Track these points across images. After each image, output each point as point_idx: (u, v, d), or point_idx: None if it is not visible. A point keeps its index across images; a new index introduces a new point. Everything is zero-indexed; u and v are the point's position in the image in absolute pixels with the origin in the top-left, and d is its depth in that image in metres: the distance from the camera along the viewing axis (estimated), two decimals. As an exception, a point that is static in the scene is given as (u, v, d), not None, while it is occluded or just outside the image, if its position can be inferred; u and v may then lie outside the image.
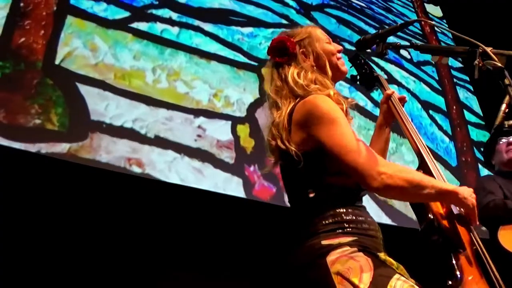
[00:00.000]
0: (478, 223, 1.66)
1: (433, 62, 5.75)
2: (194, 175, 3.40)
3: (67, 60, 3.33)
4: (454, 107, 5.69)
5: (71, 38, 3.41)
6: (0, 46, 3.11)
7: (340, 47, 1.94)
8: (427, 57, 5.70)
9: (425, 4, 6.76)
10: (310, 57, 1.87)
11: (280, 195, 3.58)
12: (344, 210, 1.62)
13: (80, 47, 3.42)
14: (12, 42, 3.15)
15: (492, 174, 3.46)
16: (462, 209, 1.67)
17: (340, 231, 1.58)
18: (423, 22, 6.34)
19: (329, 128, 1.61)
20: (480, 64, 1.55)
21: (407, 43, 1.95)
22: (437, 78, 5.83)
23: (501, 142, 3.37)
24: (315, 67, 1.85)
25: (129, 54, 3.58)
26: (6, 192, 2.83)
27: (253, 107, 3.92)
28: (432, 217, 1.66)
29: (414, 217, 4.29)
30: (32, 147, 2.98)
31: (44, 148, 3.02)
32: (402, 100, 2.00)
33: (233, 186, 3.53)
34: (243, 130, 3.75)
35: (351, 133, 1.61)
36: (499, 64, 1.51)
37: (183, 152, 3.44)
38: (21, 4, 3.29)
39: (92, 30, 3.51)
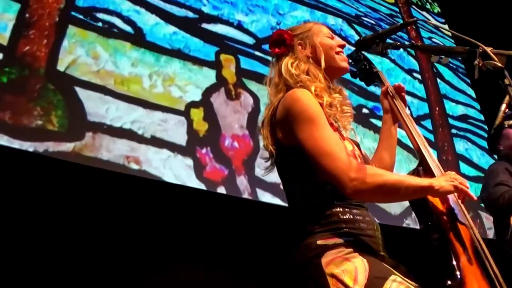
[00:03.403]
0: (475, 198, 1.53)
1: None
2: (186, 172, 3.37)
3: (72, 67, 3.31)
4: (437, 108, 5.41)
5: (75, 47, 3.39)
6: (7, 54, 3.10)
7: (343, 42, 1.80)
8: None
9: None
10: (307, 49, 1.73)
11: (232, 178, 3.51)
12: (341, 209, 1.48)
13: (83, 55, 3.39)
14: (17, 50, 3.13)
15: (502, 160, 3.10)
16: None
17: (336, 231, 1.45)
18: (409, 27, 5.84)
19: (305, 128, 1.47)
20: (480, 64, 1.42)
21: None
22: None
23: (507, 125, 3.04)
24: (310, 59, 1.71)
25: (127, 62, 3.55)
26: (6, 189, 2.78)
27: (209, 91, 3.81)
28: (431, 215, 1.51)
29: (393, 212, 4.19)
30: (40, 146, 2.96)
31: (51, 147, 3.00)
32: (401, 90, 1.83)
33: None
34: (197, 113, 3.65)
35: (327, 134, 1.46)
36: (499, 64, 1.40)
37: (176, 151, 3.42)
38: (27, 15, 3.27)
39: (94, 40, 3.49)
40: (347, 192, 1.40)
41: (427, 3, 6.73)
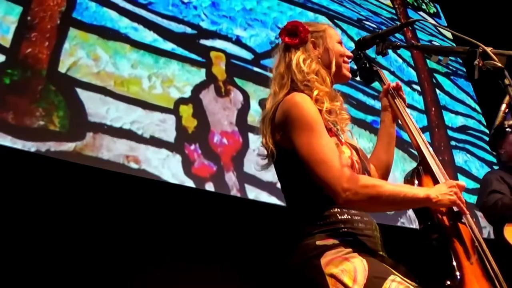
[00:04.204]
0: (467, 212, 1.50)
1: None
2: (184, 171, 3.35)
3: (73, 69, 3.30)
4: (433, 108, 5.33)
5: (76, 49, 3.38)
6: (10, 56, 3.09)
7: (350, 54, 1.77)
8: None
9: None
10: (319, 49, 1.69)
11: (221, 174, 3.48)
12: (339, 210, 1.45)
13: (83, 57, 3.38)
14: (20, 52, 3.13)
15: (497, 169, 3.05)
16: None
17: (334, 231, 1.42)
18: (405, 28, 5.41)
19: (302, 134, 1.44)
20: (480, 64, 1.40)
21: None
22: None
23: (507, 125, 2.91)
24: (320, 60, 1.66)
25: (127, 63, 3.54)
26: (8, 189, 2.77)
27: (198, 88, 3.76)
28: (432, 215, 1.48)
29: (388, 211, 4.16)
30: (42, 146, 2.96)
31: (53, 147, 3.00)
32: (398, 89, 1.80)
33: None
34: (186, 110, 3.60)
35: (322, 142, 1.43)
36: (499, 64, 1.38)
37: (174, 151, 3.41)
38: (28, 18, 3.27)
39: (94, 42, 3.48)
40: (340, 202, 1.39)
41: (423, 4, 6.64)
